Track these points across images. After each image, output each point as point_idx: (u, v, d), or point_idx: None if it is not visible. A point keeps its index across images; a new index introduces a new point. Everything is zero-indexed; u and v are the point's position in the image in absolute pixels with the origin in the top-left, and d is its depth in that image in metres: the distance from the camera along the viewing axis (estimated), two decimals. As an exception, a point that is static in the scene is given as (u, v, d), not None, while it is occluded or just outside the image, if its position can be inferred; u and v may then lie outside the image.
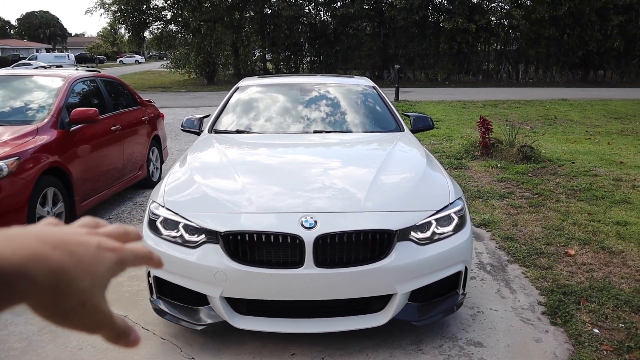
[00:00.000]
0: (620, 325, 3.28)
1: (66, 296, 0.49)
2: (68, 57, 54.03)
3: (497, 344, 3.10)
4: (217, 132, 4.50)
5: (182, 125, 4.86)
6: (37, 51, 66.44)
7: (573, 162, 7.97)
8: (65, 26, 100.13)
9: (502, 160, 8.12)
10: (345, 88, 5.19)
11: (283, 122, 4.61)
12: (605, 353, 2.99)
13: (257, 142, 4.26)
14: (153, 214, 3.08)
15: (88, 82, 5.95)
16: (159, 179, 7.16)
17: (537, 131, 11.62)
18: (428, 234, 2.94)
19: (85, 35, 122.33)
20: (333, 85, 5.25)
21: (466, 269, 3.09)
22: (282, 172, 3.48)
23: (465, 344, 3.10)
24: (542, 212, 5.56)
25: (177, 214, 2.97)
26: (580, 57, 30.16)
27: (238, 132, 4.49)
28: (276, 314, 2.92)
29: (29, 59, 47.90)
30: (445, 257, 2.94)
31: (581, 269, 4.13)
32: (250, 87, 5.22)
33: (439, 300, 3.06)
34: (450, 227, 3.02)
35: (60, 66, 39.66)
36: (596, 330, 3.23)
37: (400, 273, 2.80)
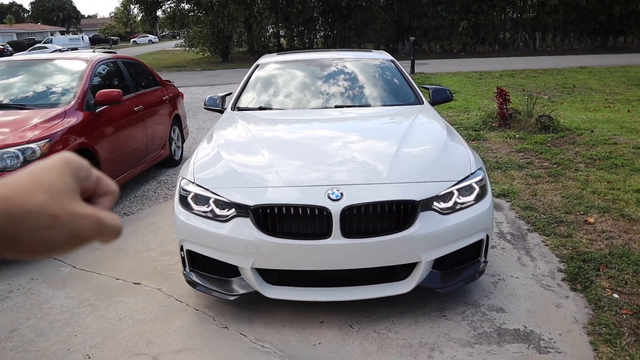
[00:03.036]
0: (640, 289, 3.36)
1: (27, 220, 0.47)
2: (82, 39, 54.26)
3: (518, 309, 3.20)
4: (239, 109, 4.60)
5: (204, 104, 4.96)
6: (51, 34, 66.87)
7: (592, 131, 7.93)
8: (78, 8, 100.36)
9: (520, 130, 8.11)
10: (363, 62, 5.22)
11: (303, 98, 4.68)
12: (624, 317, 3.07)
13: (280, 118, 4.34)
14: (184, 190, 3.20)
15: (110, 64, 6.06)
16: (181, 158, 7.31)
17: (555, 100, 11.52)
18: (450, 203, 3.02)
19: (98, 17, 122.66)
20: (351, 59, 5.28)
21: (487, 237, 3.17)
22: (306, 147, 3.56)
23: (488, 309, 3.20)
24: (561, 182, 5.60)
25: (207, 189, 3.08)
26: (600, 23, 29.44)
27: (260, 109, 4.58)
28: (305, 284, 3.04)
29: (44, 42, 48.26)
30: (467, 226, 3.02)
31: (601, 237, 4.19)
32: (270, 64, 5.28)
33: (461, 268, 3.16)
34: (472, 197, 3.10)
35: (76, 49, 39.88)
36: (616, 295, 3.30)
37: (424, 242, 2.90)
